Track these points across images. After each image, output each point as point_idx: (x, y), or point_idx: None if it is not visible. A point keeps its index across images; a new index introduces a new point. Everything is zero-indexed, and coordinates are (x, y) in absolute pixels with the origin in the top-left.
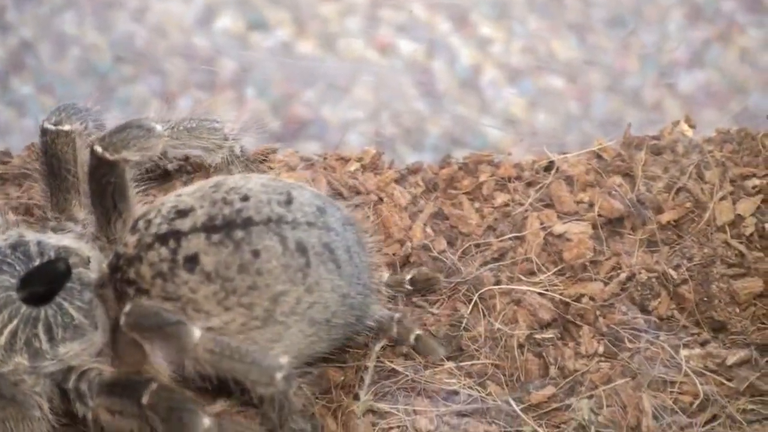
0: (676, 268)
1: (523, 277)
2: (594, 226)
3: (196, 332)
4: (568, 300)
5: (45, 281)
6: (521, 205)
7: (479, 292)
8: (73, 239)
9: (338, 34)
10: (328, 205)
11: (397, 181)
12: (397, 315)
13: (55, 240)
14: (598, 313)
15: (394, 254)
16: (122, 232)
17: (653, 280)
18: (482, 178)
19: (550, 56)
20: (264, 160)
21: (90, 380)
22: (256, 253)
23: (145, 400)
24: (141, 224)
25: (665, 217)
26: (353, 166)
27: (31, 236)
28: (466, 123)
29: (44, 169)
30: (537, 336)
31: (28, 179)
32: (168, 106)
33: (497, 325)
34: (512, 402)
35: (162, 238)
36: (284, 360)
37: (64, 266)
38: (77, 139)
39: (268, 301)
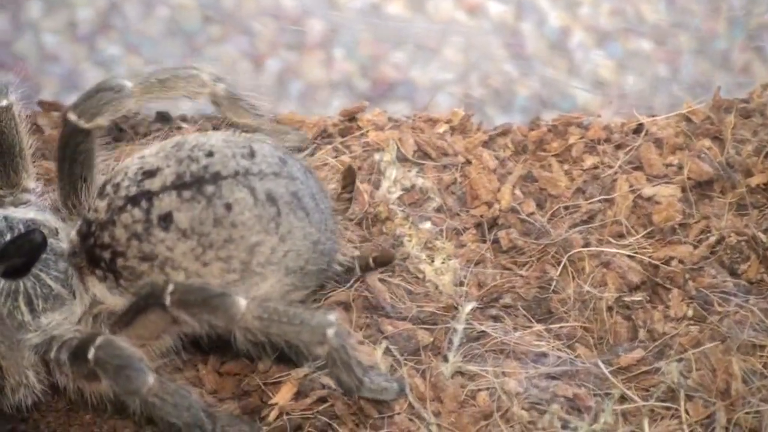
0: (766, 231)
1: (612, 240)
2: (683, 189)
3: (242, 301)
4: (657, 263)
5: (21, 254)
6: (610, 167)
7: (568, 254)
8: (38, 211)
9: None
10: (288, 155)
11: (485, 144)
12: (356, 252)
13: (21, 213)
14: (687, 276)
15: (481, 216)
16: (88, 200)
17: (742, 243)
18: (571, 140)
19: (639, 19)
20: (352, 119)
21: (68, 347)
22: (228, 207)
23: (91, 355)
24: (109, 189)
25: (754, 181)
26: (442, 128)
27: None
28: (554, 85)
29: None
30: (626, 299)
31: None
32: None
33: (586, 288)
34: (601, 364)
35: (133, 200)
36: (333, 316)
37: (41, 237)
38: (15, 109)
39: (245, 253)
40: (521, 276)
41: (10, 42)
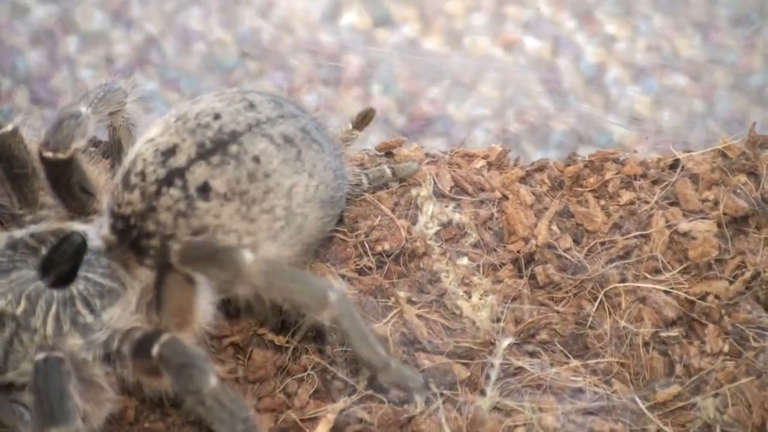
0: None
1: (648, 275)
2: (719, 225)
3: (248, 255)
4: (693, 298)
5: (66, 259)
6: (647, 203)
7: (605, 289)
8: (57, 222)
9: (464, 31)
10: (278, 96)
11: (522, 179)
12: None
13: (44, 227)
14: (723, 311)
15: (518, 251)
16: (99, 204)
17: None
18: (608, 175)
19: (675, 54)
20: (389, 153)
21: (130, 340)
22: (256, 159)
23: (155, 351)
24: (134, 178)
25: None
26: (479, 163)
27: (19, 233)
28: (591, 120)
29: (1, 174)
30: (662, 334)
31: None
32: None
33: (622, 323)
34: (638, 400)
35: (166, 181)
36: (337, 284)
37: (79, 238)
38: (22, 132)
39: (285, 199)
40: (558, 312)
41: (48, 77)
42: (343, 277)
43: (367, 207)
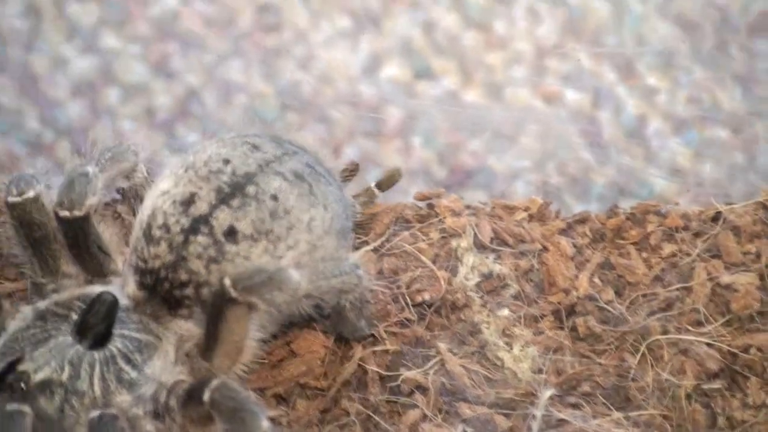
0: None
1: (690, 327)
2: (761, 277)
3: (294, 271)
4: (735, 351)
5: (100, 319)
6: (688, 255)
7: (646, 342)
8: (78, 288)
9: (504, 83)
10: (275, 136)
11: (563, 231)
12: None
13: (67, 294)
14: (766, 364)
15: (559, 303)
16: (115, 264)
17: None
18: (649, 228)
19: (716, 107)
20: (429, 205)
21: (177, 393)
22: (275, 197)
23: (206, 397)
24: (158, 232)
25: None
26: (520, 215)
27: (43, 304)
28: (632, 173)
29: (24, 241)
30: (704, 386)
31: None
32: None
33: (665, 375)
34: None
35: (192, 230)
36: (354, 258)
37: (111, 296)
38: (43, 199)
39: (306, 233)
40: (600, 363)
41: (89, 129)
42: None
43: (407, 258)
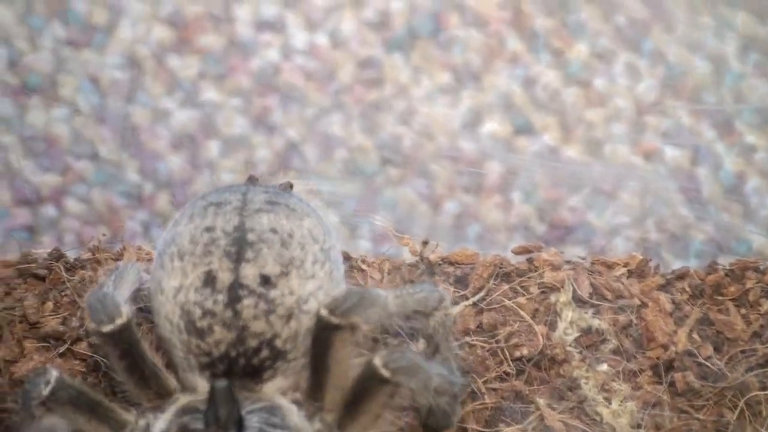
0: None
1: None
2: None
3: (376, 289)
4: None
5: (225, 407)
6: None
7: (745, 398)
8: (173, 403)
9: (604, 139)
10: (207, 191)
11: (662, 287)
12: None
13: (172, 411)
14: None
15: (657, 358)
16: (168, 381)
17: None
18: (748, 284)
19: None
20: (529, 259)
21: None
22: (273, 230)
23: (386, 373)
24: (204, 322)
25: None
26: (619, 271)
27: (163, 423)
28: (730, 229)
29: (126, 364)
30: None
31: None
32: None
33: (763, 431)
34: None
35: (233, 300)
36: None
37: (222, 381)
38: (132, 324)
39: (314, 243)
40: (698, 419)
41: (189, 181)
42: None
43: (506, 313)
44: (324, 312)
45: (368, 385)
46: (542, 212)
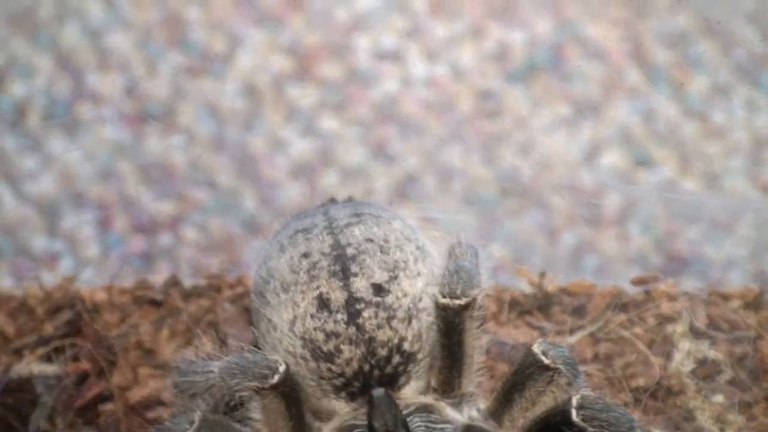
0: None
1: None
2: None
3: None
4: None
5: (388, 413)
6: None
7: None
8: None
9: (722, 173)
10: (288, 218)
11: None
12: None
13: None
14: None
15: None
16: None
17: None
18: None
19: None
20: (646, 291)
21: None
22: (370, 240)
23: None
24: (330, 345)
25: None
26: (735, 303)
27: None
28: None
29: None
30: None
31: None
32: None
33: None
34: None
35: (353, 315)
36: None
37: (380, 390)
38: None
39: (409, 242)
40: None
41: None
42: None
43: (623, 343)
44: (445, 300)
45: (528, 371)
46: (660, 244)
